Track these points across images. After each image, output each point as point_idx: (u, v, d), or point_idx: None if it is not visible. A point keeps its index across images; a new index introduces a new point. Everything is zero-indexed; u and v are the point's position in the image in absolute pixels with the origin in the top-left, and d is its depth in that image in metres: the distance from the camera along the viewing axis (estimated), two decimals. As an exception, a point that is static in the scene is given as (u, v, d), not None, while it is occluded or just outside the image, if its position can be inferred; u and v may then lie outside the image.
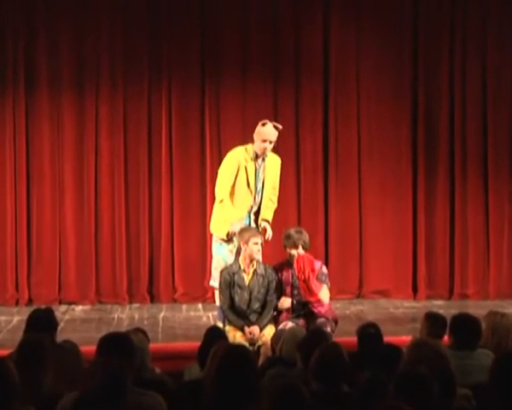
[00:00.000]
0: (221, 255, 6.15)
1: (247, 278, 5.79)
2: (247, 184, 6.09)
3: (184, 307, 7.71)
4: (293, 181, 8.09)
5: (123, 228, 7.88)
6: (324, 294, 5.78)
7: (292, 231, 5.92)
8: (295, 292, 5.84)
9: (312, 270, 5.71)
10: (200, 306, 7.72)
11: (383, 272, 8.12)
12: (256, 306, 5.77)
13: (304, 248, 5.83)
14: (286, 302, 5.81)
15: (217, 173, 6.35)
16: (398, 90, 8.12)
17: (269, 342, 5.53)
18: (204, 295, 7.87)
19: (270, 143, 6.11)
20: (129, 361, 3.38)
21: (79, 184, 7.87)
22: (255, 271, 5.80)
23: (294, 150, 8.11)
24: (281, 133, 8.47)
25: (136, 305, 7.79)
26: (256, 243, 5.75)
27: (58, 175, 7.84)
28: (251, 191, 6.09)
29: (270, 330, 5.70)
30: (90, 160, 7.85)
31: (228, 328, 5.70)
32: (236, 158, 6.12)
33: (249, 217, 6.21)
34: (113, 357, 3.25)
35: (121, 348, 3.46)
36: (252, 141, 6.23)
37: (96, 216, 7.89)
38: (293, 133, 8.08)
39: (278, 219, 8.32)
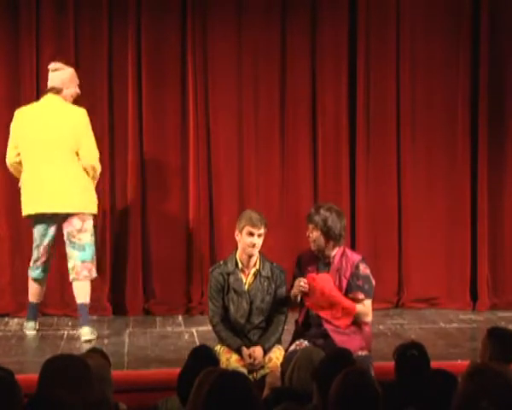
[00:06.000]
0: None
1: (245, 280, 5.79)
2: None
3: (159, 320, 7.76)
4: (306, 149, 8.10)
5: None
6: (365, 309, 5.59)
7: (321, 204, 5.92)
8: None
9: (330, 289, 5.63)
10: (180, 319, 7.76)
11: (430, 273, 8.16)
12: (258, 320, 5.78)
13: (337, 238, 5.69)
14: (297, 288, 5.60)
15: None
16: (454, 11, 8.09)
17: (278, 368, 5.55)
18: (187, 304, 7.91)
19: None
20: (83, 394, 3.40)
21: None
22: (258, 272, 5.81)
23: (309, 107, 8.11)
24: (289, 83, 8.37)
25: (92, 317, 7.83)
26: (251, 234, 5.70)
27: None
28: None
29: (278, 354, 5.71)
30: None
31: (219, 349, 5.72)
32: None
33: None
34: (62, 389, 3.26)
35: (73, 376, 3.48)
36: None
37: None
38: (308, 83, 8.09)
39: (287, 203, 8.26)
